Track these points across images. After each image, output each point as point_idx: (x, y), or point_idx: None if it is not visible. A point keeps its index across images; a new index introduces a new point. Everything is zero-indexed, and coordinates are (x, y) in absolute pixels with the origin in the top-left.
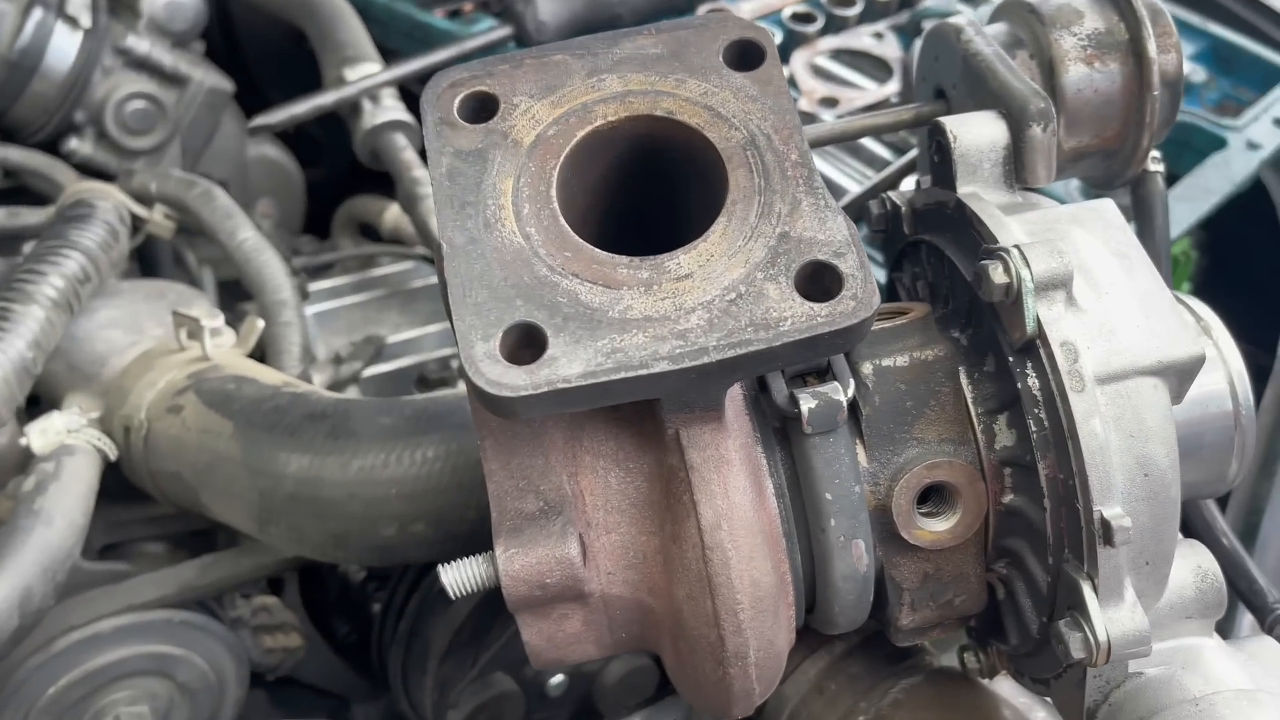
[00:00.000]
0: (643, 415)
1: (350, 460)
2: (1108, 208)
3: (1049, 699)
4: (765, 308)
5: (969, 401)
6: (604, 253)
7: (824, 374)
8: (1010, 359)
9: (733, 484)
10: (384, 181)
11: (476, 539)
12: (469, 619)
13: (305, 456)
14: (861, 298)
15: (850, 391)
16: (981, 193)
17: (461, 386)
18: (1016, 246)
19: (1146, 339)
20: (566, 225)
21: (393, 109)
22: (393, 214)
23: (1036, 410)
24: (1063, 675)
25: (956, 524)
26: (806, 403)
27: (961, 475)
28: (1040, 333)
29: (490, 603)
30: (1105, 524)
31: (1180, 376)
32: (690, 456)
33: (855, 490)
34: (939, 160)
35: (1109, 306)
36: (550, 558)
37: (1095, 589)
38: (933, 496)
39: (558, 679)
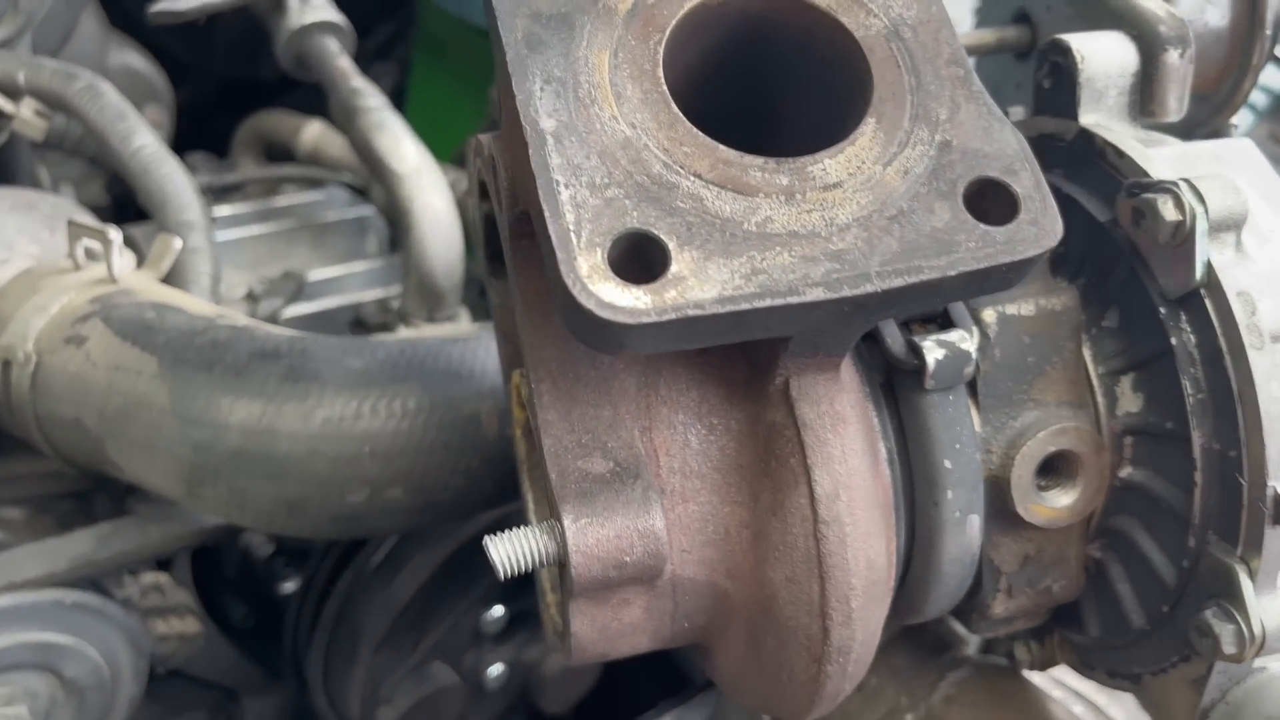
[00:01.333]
0: (732, 360)
1: (314, 409)
2: (1249, 147)
3: (1070, 690)
4: (933, 229)
5: (1088, 360)
6: (732, 150)
7: (929, 321)
8: (1161, 311)
9: (851, 447)
10: (259, 103)
11: (460, 509)
12: (411, 602)
13: (255, 403)
14: (1043, 223)
15: (976, 342)
16: (1106, 123)
17: (412, 330)
18: (1186, 180)
19: None
20: (681, 114)
21: (322, 7)
22: (313, 133)
23: (1193, 370)
24: (1167, 671)
25: (1077, 499)
26: (932, 353)
27: (1087, 443)
28: (1211, 280)
29: (436, 582)
30: None
31: None
32: (802, 411)
33: (976, 458)
34: (1052, 85)
35: (1272, 255)
36: (631, 530)
37: (1252, 575)
38: (1050, 467)
39: (498, 669)
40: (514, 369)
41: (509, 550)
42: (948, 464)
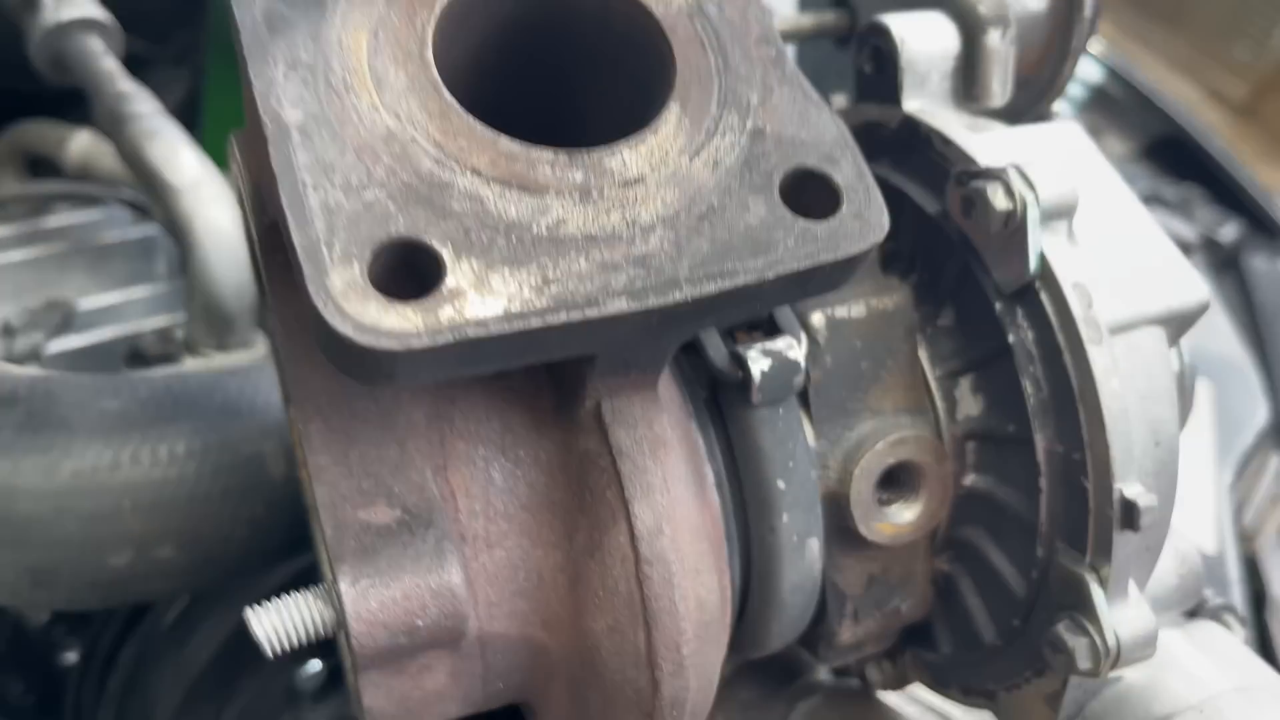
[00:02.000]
0: (537, 383)
1: (59, 461)
2: (1075, 131)
3: (924, 704)
4: (748, 226)
5: (924, 363)
6: (516, 142)
7: (754, 328)
8: (997, 306)
9: (673, 474)
10: (36, 108)
11: (248, 563)
12: (210, 666)
13: None
14: (868, 216)
15: (805, 349)
16: (931, 109)
17: (200, 361)
18: (1016, 167)
19: (1152, 282)
20: (454, 101)
21: (82, 3)
22: (82, 144)
23: (1032, 369)
24: (1022, 687)
25: (921, 513)
26: (757, 364)
27: (928, 452)
28: (1046, 272)
29: (238, 640)
30: (1128, 505)
31: (1180, 326)
32: (617, 438)
33: (812, 477)
34: (873, 70)
35: (1105, 243)
36: (422, 589)
37: (1103, 584)
38: (891, 480)
39: None
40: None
41: (276, 623)
42: (781, 484)
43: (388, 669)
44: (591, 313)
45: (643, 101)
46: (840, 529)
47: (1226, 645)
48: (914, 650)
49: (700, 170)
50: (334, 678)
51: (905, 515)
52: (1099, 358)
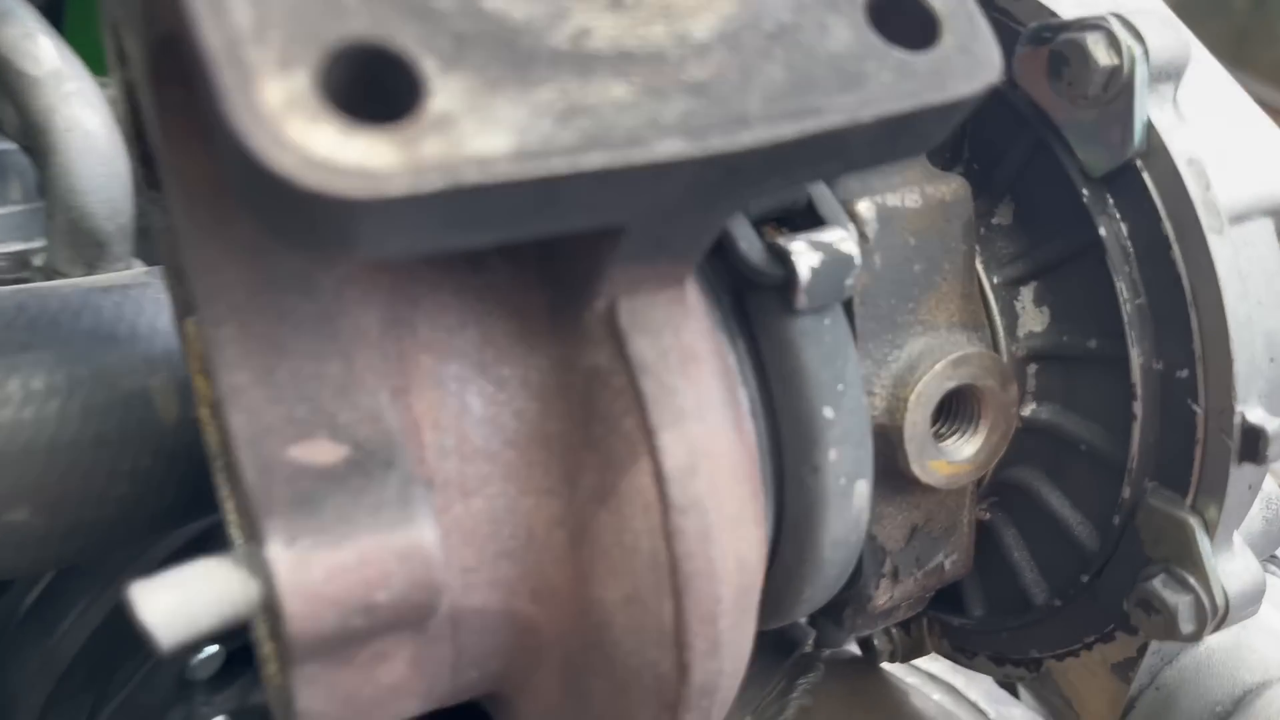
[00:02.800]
0: (525, 280)
1: None
2: None
3: (924, 673)
4: (830, 54)
5: (979, 267)
6: None
7: (783, 223)
8: (1084, 194)
9: (708, 396)
10: None
11: (130, 528)
12: (83, 655)
13: None
14: (975, 50)
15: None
16: None
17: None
18: (1118, 15)
19: (1263, 166)
20: None
21: None
22: None
23: (1128, 269)
24: (1078, 654)
25: (981, 448)
26: (805, 259)
27: (992, 375)
28: (1153, 145)
29: (116, 623)
30: (1252, 432)
31: None
32: (638, 348)
33: (863, 403)
34: None
35: (1209, 120)
36: (384, 551)
37: (1209, 530)
38: (944, 410)
39: None
40: (188, 315)
41: (175, 604)
42: (829, 413)
43: (331, 660)
44: (636, 155)
45: None
46: (888, 470)
47: None
48: (935, 615)
49: None
50: (232, 662)
51: (964, 451)
52: (1221, 250)
